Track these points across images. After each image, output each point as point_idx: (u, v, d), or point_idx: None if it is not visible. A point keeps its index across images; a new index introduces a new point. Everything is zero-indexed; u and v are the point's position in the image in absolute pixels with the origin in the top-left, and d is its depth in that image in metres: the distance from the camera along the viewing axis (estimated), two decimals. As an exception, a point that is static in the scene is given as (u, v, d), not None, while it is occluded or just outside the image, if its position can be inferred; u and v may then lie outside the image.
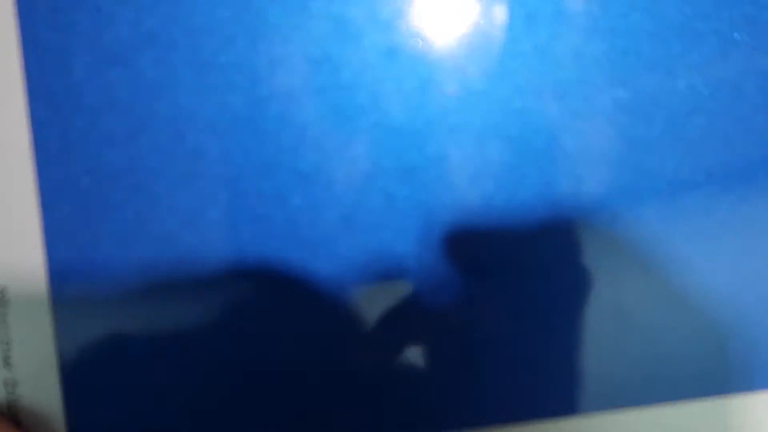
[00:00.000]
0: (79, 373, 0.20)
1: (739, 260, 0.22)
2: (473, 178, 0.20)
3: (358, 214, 0.20)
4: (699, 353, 0.22)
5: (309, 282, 0.20)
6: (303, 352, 0.21)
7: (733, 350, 0.22)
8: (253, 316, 0.20)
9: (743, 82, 0.20)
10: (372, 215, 0.20)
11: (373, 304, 0.20)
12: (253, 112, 0.19)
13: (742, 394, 0.23)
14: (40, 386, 0.19)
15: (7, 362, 0.19)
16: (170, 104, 0.19)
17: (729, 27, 0.20)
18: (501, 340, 0.21)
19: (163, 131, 0.19)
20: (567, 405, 0.22)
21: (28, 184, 0.19)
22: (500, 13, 0.20)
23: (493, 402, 0.22)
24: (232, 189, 0.19)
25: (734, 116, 0.20)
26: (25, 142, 0.19)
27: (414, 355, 0.21)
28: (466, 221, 0.20)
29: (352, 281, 0.20)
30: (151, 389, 0.20)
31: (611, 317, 0.21)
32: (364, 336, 0.21)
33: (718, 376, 0.23)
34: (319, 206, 0.20)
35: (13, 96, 0.19)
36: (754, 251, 0.22)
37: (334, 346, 0.21)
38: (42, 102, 0.19)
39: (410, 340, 0.21)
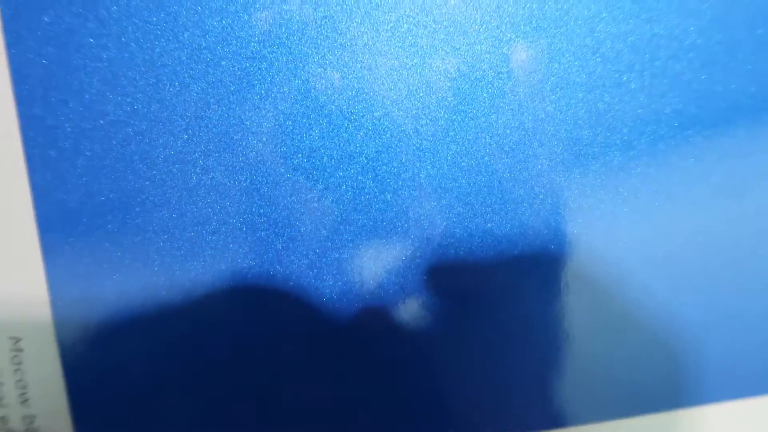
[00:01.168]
0: (87, 404, 0.23)
1: (687, 274, 0.24)
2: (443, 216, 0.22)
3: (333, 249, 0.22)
4: (650, 368, 0.25)
5: (299, 308, 0.23)
6: (292, 368, 0.24)
7: (683, 365, 0.25)
8: (251, 341, 0.23)
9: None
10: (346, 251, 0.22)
11: (356, 327, 0.23)
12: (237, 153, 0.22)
13: (692, 407, 0.25)
14: (54, 418, 0.23)
15: (25, 401, 0.22)
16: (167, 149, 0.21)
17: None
18: (472, 361, 0.24)
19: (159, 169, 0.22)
20: (533, 421, 0.25)
21: (33, 245, 0.22)
22: (447, 77, 0.22)
23: (463, 416, 0.24)
24: (226, 214, 0.22)
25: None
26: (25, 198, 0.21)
27: (395, 372, 0.24)
28: (441, 255, 0.23)
29: (339, 306, 0.22)
30: (155, 410, 0.23)
31: (568, 337, 0.24)
32: (348, 353, 0.23)
33: (669, 390, 0.25)
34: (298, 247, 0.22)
35: (15, 165, 0.21)
36: (703, 265, 0.24)
37: (320, 361, 0.23)
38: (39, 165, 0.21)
39: (393, 359, 0.24)
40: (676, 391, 0.25)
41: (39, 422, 0.22)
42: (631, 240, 0.23)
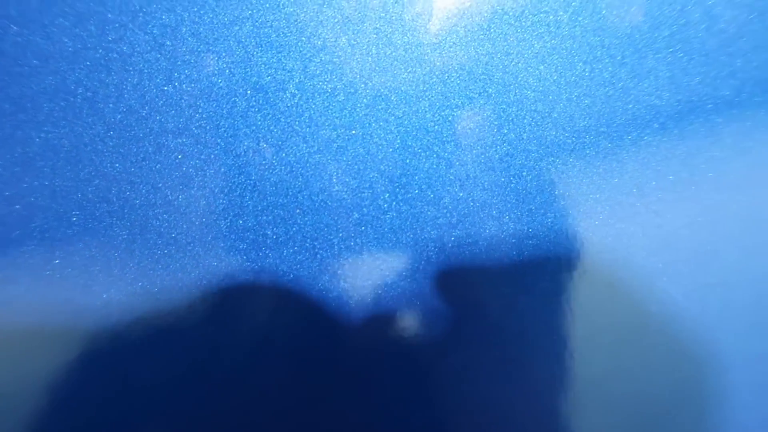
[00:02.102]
0: None
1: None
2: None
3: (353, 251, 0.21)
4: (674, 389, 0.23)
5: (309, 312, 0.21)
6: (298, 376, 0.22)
7: (714, 385, 0.23)
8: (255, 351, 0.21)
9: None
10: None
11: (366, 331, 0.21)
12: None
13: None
14: None
15: None
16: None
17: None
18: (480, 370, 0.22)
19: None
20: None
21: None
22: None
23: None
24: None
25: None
26: None
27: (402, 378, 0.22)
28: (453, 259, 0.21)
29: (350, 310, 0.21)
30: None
31: (577, 350, 0.22)
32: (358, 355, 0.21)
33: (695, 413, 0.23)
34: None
35: None
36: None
37: (326, 366, 0.22)
38: None
39: (398, 365, 0.22)
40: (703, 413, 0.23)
41: None
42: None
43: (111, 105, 0.19)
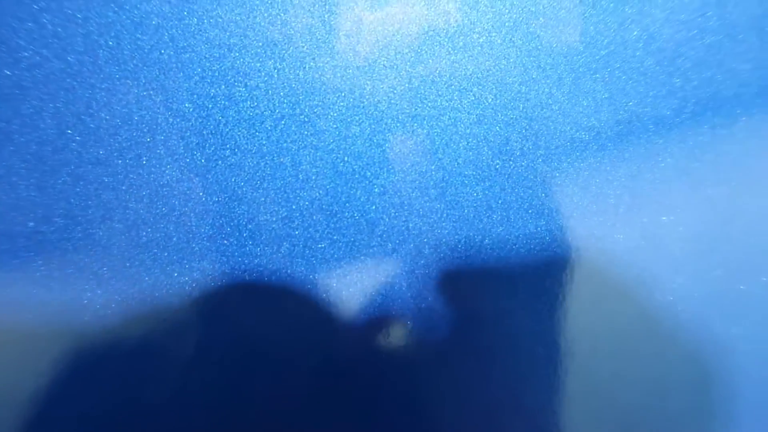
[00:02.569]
0: None
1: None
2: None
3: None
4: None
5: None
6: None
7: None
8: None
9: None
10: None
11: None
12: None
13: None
14: None
15: None
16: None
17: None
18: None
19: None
20: None
21: None
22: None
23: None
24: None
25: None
26: None
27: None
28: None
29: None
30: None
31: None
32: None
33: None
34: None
35: None
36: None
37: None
38: None
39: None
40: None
41: None
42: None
43: (25, 136, 0.19)
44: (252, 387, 0.20)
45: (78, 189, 0.19)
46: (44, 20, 0.18)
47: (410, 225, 0.20)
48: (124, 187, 0.19)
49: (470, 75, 0.20)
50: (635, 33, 0.20)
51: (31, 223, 0.19)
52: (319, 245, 0.20)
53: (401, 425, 0.21)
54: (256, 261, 0.20)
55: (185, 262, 0.20)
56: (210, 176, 0.19)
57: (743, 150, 0.21)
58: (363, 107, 0.20)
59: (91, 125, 0.19)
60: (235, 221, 0.20)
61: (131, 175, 0.19)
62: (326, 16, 0.19)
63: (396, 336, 0.20)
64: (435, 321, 0.20)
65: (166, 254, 0.20)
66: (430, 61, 0.20)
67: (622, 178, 0.21)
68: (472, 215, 0.20)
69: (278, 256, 0.20)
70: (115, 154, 0.19)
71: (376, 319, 0.20)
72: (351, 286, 0.20)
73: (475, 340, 0.21)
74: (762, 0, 0.21)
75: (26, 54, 0.18)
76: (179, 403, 0.20)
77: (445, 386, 0.21)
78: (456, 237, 0.20)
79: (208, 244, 0.20)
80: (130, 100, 0.19)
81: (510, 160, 0.20)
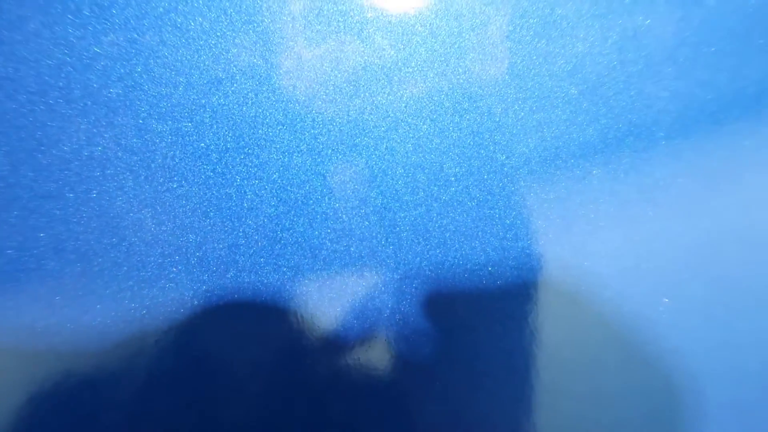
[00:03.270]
0: None
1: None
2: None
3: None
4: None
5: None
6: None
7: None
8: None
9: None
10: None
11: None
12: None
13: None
14: None
15: None
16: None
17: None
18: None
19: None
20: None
21: None
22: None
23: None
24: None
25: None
26: None
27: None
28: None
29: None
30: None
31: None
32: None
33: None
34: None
35: None
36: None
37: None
38: None
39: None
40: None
41: None
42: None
43: None
44: (207, 411, 0.21)
45: (30, 222, 0.20)
46: (-5, 64, 0.19)
47: (351, 249, 0.21)
48: (75, 219, 0.20)
49: (405, 106, 0.21)
50: (560, 64, 0.22)
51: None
52: (264, 270, 0.21)
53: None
54: (204, 287, 0.21)
55: (136, 289, 0.20)
56: (159, 207, 0.20)
57: (665, 171, 0.23)
58: (304, 139, 0.21)
59: (43, 161, 0.20)
60: (184, 249, 0.20)
61: (82, 208, 0.20)
62: (267, 54, 0.20)
63: (339, 356, 0.21)
64: (379, 342, 0.21)
65: (116, 283, 0.20)
66: (367, 94, 0.21)
67: (552, 201, 0.22)
68: (410, 239, 0.21)
69: (226, 282, 0.21)
70: (66, 188, 0.20)
71: (321, 340, 0.21)
72: (296, 310, 0.21)
73: (417, 359, 0.22)
74: (676, 33, 0.22)
75: (-21, 95, 0.19)
76: (135, 430, 0.21)
77: (406, 405, 0.22)
78: (395, 260, 0.21)
79: (157, 271, 0.20)
80: (80, 137, 0.20)
81: (444, 185, 0.21)
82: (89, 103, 0.20)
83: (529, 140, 0.22)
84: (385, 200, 0.21)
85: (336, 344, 0.21)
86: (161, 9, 0.20)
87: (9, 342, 0.20)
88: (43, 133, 0.20)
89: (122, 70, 0.20)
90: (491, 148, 0.21)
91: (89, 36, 0.20)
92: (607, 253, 0.22)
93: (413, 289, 0.21)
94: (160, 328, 0.21)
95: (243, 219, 0.21)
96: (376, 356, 0.21)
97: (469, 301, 0.22)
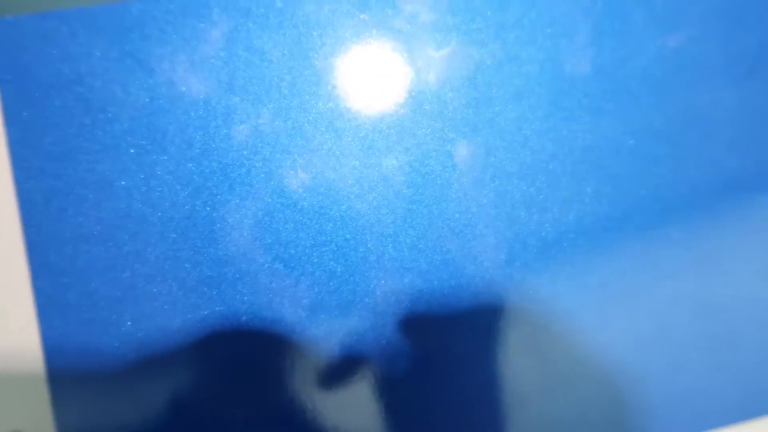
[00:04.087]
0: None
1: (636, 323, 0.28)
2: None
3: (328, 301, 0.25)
4: (606, 407, 0.28)
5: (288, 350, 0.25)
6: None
7: (632, 403, 0.28)
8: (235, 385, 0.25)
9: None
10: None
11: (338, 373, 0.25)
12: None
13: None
14: None
15: None
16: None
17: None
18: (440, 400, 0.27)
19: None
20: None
21: (34, 342, 0.24)
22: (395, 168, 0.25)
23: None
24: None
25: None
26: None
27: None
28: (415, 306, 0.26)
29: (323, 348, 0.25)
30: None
31: (530, 377, 0.27)
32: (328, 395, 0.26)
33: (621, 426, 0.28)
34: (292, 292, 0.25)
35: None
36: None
37: (297, 402, 0.26)
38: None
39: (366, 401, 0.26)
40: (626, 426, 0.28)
41: None
42: (572, 299, 0.27)
43: (176, 144, 0.24)
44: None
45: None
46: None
47: (473, 210, 0.26)
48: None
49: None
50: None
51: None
52: (405, 226, 0.26)
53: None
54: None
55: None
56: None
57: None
58: (432, 124, 0.26)
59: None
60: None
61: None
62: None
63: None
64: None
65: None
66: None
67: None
68: (519, 201, 0.26)
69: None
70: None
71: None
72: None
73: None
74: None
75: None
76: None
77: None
78: (507, 219, 0.26)
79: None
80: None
81: (543, 160, 0.27)
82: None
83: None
84: (496, 171, 0.26)
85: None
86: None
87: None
88: None
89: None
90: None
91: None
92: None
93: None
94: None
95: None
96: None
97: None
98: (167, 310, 0.24)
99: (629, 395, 0.27)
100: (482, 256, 0.26)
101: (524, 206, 0.26)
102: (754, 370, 0.29)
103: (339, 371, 0.25)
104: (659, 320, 0.28)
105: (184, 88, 0.24)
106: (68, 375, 0.24)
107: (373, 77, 0.25)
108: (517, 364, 0.26)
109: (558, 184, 0.26)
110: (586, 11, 0.26)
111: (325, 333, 0.25)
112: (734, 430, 0.28)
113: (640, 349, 0.28)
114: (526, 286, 0.26)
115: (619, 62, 0.27)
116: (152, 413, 0.24)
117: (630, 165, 0.27)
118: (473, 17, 0.25)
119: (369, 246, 0.25)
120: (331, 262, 0.25)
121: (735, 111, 0.28)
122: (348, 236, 0.25)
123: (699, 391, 0.28)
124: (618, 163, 0.27)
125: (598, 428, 0.27)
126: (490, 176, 0.26)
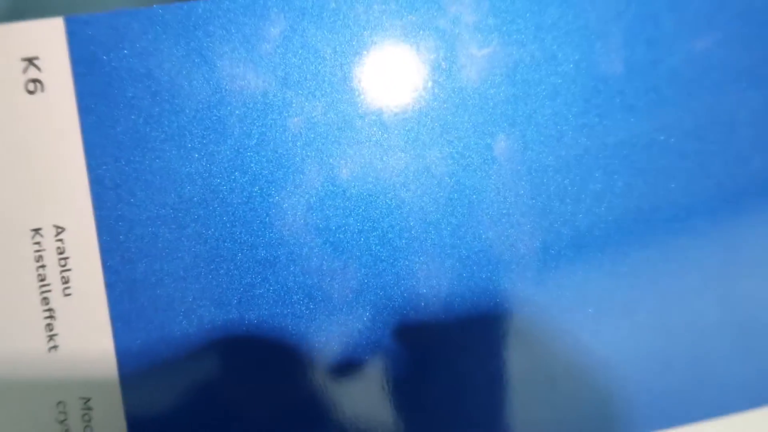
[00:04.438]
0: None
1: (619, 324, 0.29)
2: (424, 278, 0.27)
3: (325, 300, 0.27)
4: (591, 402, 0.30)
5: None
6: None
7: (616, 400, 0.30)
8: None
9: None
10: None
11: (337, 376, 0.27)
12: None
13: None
14: None
15: None
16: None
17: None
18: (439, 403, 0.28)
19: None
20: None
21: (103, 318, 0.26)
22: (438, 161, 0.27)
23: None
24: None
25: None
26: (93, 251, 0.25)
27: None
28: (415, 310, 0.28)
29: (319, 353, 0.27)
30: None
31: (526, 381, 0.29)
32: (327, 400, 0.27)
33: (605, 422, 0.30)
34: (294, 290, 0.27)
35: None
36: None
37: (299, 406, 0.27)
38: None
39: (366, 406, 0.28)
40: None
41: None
42: (603, 286, 0.29)
43: (235, 135, 0.26)
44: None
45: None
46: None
47: (510, 201, 0.28)
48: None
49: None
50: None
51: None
52: (447, 214, 0.28)
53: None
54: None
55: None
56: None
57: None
58: (473, 118, 0.28)
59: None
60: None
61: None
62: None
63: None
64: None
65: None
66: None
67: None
68: (554, 193, 0.28)
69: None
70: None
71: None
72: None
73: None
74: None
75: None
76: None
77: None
78: (542, 209, 0.28)
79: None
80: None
81: (578, 155, 0.28)
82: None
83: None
84: (533, 164, 0.28)
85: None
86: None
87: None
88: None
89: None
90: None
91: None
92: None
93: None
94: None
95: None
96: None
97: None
98: (225, 288, 0.26)
99: (655, 379, 0.29)
100: (519, 244, 0.28)
101: (558, 198, 0.28)
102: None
103: (383, 347, 0.27)
104: (685, 307, 0.29)
105: (243, 83, 0.26)
106: (135, 348, 0.26)
107: (418, 74, 0.27)
108: (550, 351, 0.28)
109: (591, 177, 0.28)
110: (619, 15, 0.28)
111: (371, 313, 0.27)
112: (756, 414, 0.30)
113: (666, 335, 0.29)
114: (560, 273, 0.28)
115: (650, 63, 0.28)
116: (213, 384, 0.26)
117: (659, 160, 0.29)
118: (513, 19, 0.27)
119: (413, 233, 0.27)
120: (377, 247, 0.27)
121: (759, 111, 0.29)
122: (393, 223, 0.27)
123: (723, 376, 0.29)
124: (648, 159, 0.28)
125: (624, 414, 0.28)
126: (526, 169, 0.28)
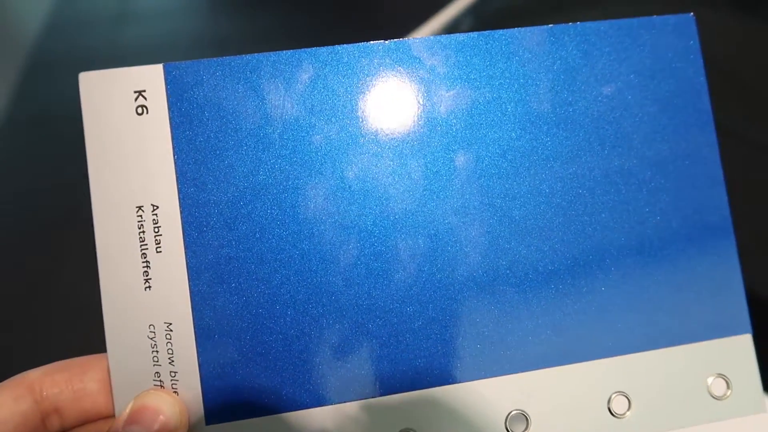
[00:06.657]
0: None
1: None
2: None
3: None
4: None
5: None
6: None
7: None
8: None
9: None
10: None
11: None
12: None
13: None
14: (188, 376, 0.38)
15: (172, 361, 0.38)
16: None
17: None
18: None
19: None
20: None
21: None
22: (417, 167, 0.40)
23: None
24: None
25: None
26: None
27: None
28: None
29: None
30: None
31: None
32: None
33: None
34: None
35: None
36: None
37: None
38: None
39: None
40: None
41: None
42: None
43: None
44: None
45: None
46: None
47: (471, 209, 0.40)
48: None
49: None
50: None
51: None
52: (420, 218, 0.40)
53: None
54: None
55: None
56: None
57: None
58: (434, 136, 0.40)
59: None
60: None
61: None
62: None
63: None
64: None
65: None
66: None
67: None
68: (523, 196, 0.40)
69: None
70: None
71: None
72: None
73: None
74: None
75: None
76: None
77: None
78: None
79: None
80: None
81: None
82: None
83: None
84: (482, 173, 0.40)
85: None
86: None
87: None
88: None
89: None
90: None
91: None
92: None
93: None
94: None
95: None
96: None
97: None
98: (306, 271, 0.38)
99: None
100: (469, 228, 0.40)
101: (501, 197, 0.40)
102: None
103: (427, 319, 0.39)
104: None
105: (283, 111, 0.39)
106: (204, 289, 0.38)
107: (403, 108, 0.39)
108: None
109: (524, 180, 0.40)
110: (548, 68, 0.40)
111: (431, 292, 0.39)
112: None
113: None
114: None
115: (568, 104, 0.40)
116: (294, 359, 0.38)
117: (575, 168, 0.41)
118: (471, 70, 0.40)
119: (395, 217, 0.39)
120: (372, 227, 0.39)
121: (654, 140, 0.41)
122: (382, 209, 0.39)
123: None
124: (566, 168, 0.40)
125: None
126: (477, 176, 0.40)
